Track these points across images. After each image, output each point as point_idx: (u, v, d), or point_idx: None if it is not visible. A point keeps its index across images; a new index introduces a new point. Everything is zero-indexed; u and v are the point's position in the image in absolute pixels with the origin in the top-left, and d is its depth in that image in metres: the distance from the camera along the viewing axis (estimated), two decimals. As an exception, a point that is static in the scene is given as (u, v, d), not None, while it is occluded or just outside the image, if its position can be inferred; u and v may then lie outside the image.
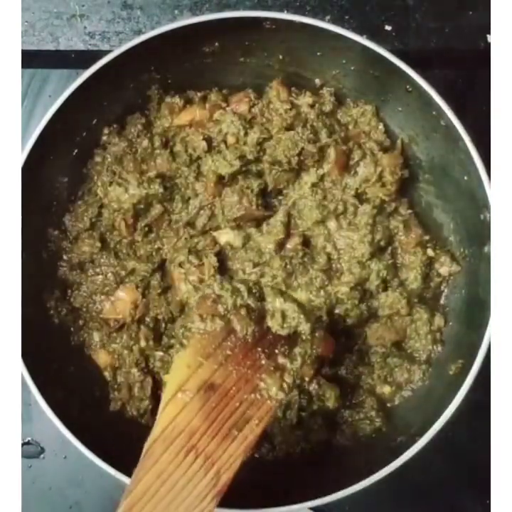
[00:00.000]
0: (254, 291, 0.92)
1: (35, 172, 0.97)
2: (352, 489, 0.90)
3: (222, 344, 0.88)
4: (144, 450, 0.81)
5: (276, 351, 0.89)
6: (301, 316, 0.90)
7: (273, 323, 0.90)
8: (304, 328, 0.90)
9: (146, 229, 1.08)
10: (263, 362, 0.88)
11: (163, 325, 1.07)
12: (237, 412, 0.85)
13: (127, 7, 1.23)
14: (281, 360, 0.89)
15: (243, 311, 0.89)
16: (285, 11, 1.20)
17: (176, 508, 0.79)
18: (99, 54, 0.98)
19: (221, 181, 1.07)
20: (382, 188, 1.06)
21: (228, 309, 0.89)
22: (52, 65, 1.21)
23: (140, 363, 1.05)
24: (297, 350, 0.90)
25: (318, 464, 1.02)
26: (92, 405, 1.03)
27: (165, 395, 0.85)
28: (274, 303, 0.91)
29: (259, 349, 0.88)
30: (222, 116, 1.07)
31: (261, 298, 0.92)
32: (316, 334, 0.91)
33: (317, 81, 1.10)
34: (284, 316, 0.90)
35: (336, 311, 1.03)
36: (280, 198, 1.10)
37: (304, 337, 0.90)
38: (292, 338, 0.91)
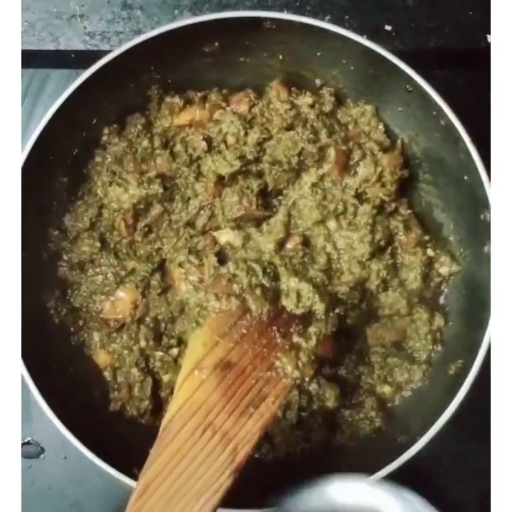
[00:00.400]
0: (268, 271, 0.92)
1: (35, 172, 0.97)
2: (352, 489, 0.90)
3: (238, 323, 0.88)
4: (161, 428, 0.81)
5: (291, 330, 0.90)
6: (316, 296, 0.90)
7: (288, 303, 0.91)
8: (319, 307, 0.90)
9: (146, 229, 1.08)
10: (278, 341, 0.88)
11: (163, 325, 1.08)
12: (254, 390, 0.85)
13: (127, 7, 1.24)
14: (296, 339, 0.89)
15: (258, 291, 0.89)
16: (285, 11, 1.20)
17: (194, 484, 0.79)
18: (99, 54, 0.98)
19: (221, 181, 1.07)
20: (382, 188, 1.06)
21: (243, 289, 0.90)
22: (52, 65, 1.21)
23: (140, 363, 1.05)
24: (312, 329, 0.90)
25: (318, 463, 1.02)
26: (92, 405, 1.03)
27: (181, 373, 0.85)
28: (289, 282, 0.91)
29: (274, 328, 0.89)
30: (222, 116, 1.07)
31: (275, 278, 0.92)
32: (331, 314, 0.92)
33: (317, 81, 1.10)
34: (298, 295, 0.91)
35: (336, 311, 1.03)
36: (280, 198, 1.10)
37: (318, 316, 0.91)
38: (307, 318, 0.91)
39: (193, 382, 0.84)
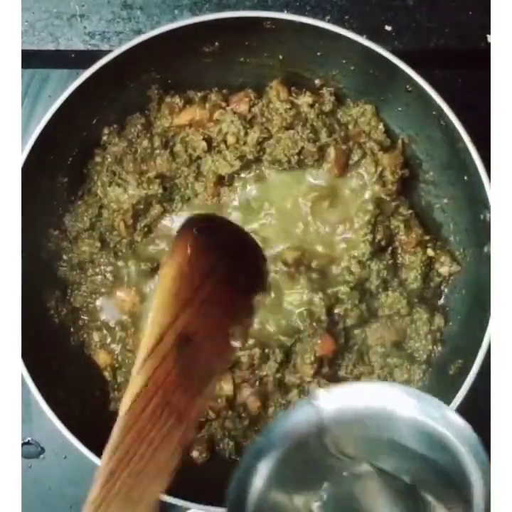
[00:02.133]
0: None
1: (34, 172, 0.97)
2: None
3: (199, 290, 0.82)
4: (125, 409, 0.75)
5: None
6: None
7: None
8: None
9: (146, 229, 1.08)
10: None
11: (163, 325, 1.07)
12: (205, 367, 0.81)
13: (127, 7, 1.23)
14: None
15: None
16: (285, 11, 1.20)
17: (155, 465, 0.75)
18: (99, 54, 0.98)
19: (221, 181, 1.07)
20: (383, 188, 1.06)
21: None
22: (52, 65, 1.21)
23: (140, 363, 1.05)
24: None
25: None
26: (92, 405, 1.03)
27: (142, 348, 0.78)
28: None
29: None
30: (222, 116, 1.07)
31: None
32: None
33: (317, 81, 1.09)
34: None
35: (336, 310, 1.03)
36: (280, 197, 1.10)
37: None
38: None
39: (155, 359, 0.78)
